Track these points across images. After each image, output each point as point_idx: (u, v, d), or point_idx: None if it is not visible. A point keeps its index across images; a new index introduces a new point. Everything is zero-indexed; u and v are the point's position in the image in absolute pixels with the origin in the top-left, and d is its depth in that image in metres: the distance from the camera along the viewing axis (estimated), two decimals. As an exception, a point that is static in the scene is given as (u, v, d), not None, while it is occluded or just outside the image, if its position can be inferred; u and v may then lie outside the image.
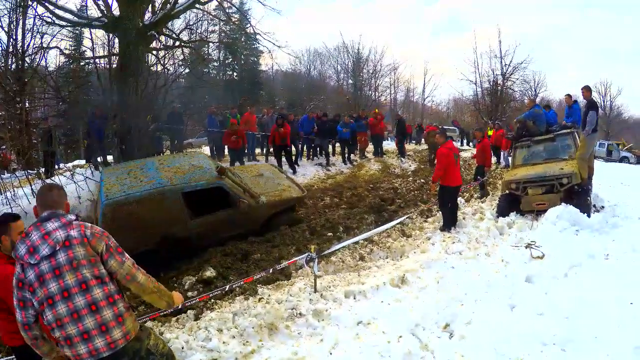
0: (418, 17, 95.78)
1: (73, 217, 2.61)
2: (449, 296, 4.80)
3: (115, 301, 2.56)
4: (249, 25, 17.22)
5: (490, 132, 16.52)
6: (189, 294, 5.54)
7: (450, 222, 7.75)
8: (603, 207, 8.83)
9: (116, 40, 11.82)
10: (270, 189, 8.34)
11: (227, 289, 5.01)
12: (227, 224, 7.30)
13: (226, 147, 13.83)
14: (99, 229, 2.65)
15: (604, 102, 52.58)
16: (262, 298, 4.92)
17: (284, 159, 13.41)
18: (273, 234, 7.55)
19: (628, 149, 33.62)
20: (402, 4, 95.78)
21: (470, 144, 28.86)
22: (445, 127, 29.91)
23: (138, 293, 2.78)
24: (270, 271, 5.13)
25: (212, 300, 5.15)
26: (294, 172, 13.31)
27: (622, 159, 30.75)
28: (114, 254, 2.61)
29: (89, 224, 2.63)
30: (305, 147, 15.80)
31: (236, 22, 18.41)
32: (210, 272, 6.09)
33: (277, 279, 5.69)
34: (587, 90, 8.88)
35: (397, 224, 7.75)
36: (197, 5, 13.45)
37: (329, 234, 7.59)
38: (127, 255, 2.70)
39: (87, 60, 18.89)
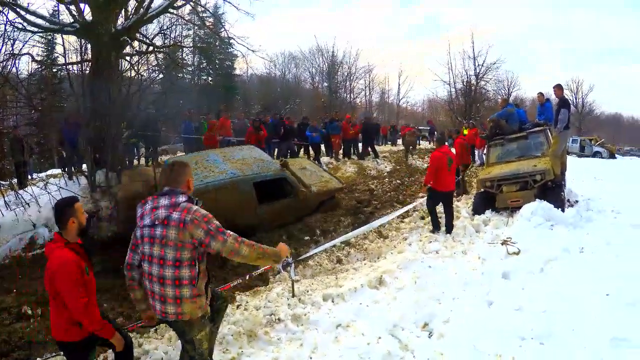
0: (394, 19, 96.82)
1: (183, 198, 2.89)
2: (426, 295, 4.80)
3: (180, 285, 2.83)
4: (222, 29, 17.18)
5: (465, 132, 16.70)
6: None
7: (435, 224, 7.64)
8: (577, 201, 8.98)
9: (89, 46, 11.58)
10: (316, 180, 9.22)
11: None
12: (287, 210, 7.96)
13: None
14: (200, 213, 2.84)
15: (576, 99, 53.99)
16: (240, 305, 4.88)
17: None
18: (251, 239, 7.43)
19: (600, 144, 34.36)
20: (377, 7, 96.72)
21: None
22: (420, 127, 30.29)
23: (245, 262, 3.09)
24: (247, 278, 5.08)
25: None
26: None
27: (595, 154, 31.45)
28: (215, 236, 2.81)
29: (195, 208, 2.86)
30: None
31: (210, 27, 18.27)
32: (187, 281, 6.00)
33: (255, 285, 5.63)
34: (558, 88, 9.05)
35: (377, 226, 7.74)
36: (170, 10, 13.32)
37: (306, 237, 7.58)
38: (228, 232, 2.88)
39: (59, 67, 18.53)
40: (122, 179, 9.55)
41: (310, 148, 16.21)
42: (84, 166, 12.03)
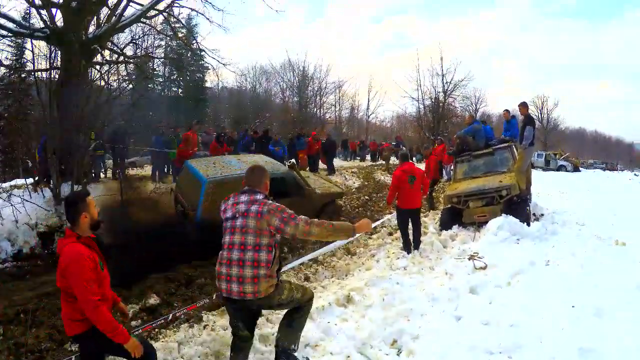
0: (364, 35, 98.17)
1: (261, 196, 3.44)
2: (395, 312, 4.78)
3: (258, 267, 3.22)
4: (194, 42, 17.07)
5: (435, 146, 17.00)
6: (133, 323, 5.27)
7: (406, 244, 7.52)
8: (542, 215, 9.20)
9: (58, 53, 11.30)
10: (319, 185, 9.92)
11: (170, 318, 4.81)
12: (294, 207, 7.66)
13: (170, 166, 13.56)
14: (275, 205, 3.36)
15: (541, 114, 55.61)
16: (207, 325, 4.76)
17: None
18: (217, 257, 7.31)
19: (565, 158, 35.35)
20: (348, 23, 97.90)
21: (414, 158, 29.74)
22: (386, 142, 30.81)
23: (320, 240, 3.69)
24: (214, 297, 4.96)
25: (156, 329, 4.93)
26: None
27: (560, 168, 32.30)
28: (288, 222, 3.28)
29: (270, 202, 3.40)
30: None
31: (182, 38, 18.12)
32: (153, 300, 5.80)
33: (222, 303, 5.51)
34: (523, 106, 9.29)
35: (344, 243, 7.74)
36: (143, 20, 13.17)
37: (274, 254, 7.46)
38: (300, 217, 3.34)
39: (27, 73, 17.95)
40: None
41: None
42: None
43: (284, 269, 6.12)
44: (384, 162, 23.59)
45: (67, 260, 2.77)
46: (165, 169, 14.56)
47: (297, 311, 3.63)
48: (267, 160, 9.42)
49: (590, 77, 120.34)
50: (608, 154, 77.32)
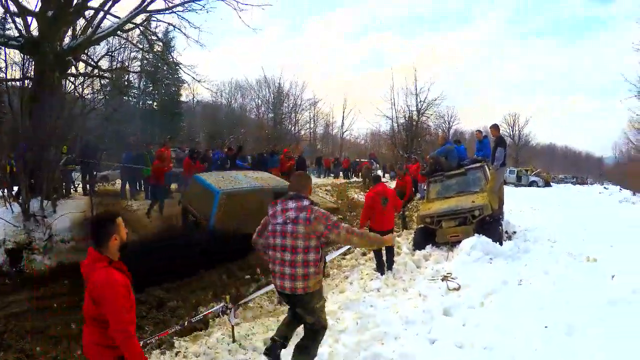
0: (341, 52, 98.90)
1: (307, 202, 3.73)
2: (369, 336, 4.75)
3: (308, 266, 3.64)
4: (170, 58, 16.95)
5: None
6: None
7: (380, 265, 7.46)
8: (515, 232, 9.33)
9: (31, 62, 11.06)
10: (317, 199, 9.90)
11: (141, 344, 4.68)
12: None
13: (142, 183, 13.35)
14: (321, 212, 3.72)
15: (512, 131, 56.82)
16: (179, 352, 4.69)
17: None
18: (188, 279, 7.29)
19: (536, 174, 36.15)
20: (325, 41, 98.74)
21: (387, 175, 30.06)
22: (363, 159, 31.07)
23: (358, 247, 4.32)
24: (186, 323, 4.85)
25: (127, 355, 4.80)
26: None
27: (531, 184, 32.99)
28: (332, 229, 3.65)
29: (316, 209, 3.74)
30: None
31: (158, 53, 17.94)
32: (124, 324, 5.68)
33: (195, 328, 5.41)
34: (494, 129, 9.50)
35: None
36: (119, 33, 13.02)
37: (247, 276, 7.41)
38: (342, 226, 3.73)
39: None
40: None
41: None
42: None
43: (257, 293, 6.04)
44: (360, 180, 24.19)
45: (101, 288, 2.61)
46: (138, 186, 14.30)
47: (311, 338, 4.01)
48: (269, 177, 10.29)
49: (560, 93, 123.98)
50: (578, 168, 79.10)
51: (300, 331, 4.20)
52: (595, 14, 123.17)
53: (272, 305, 6.27)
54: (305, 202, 3.71)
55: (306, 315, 3.90)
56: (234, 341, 4.80)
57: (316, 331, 4.01)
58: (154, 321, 5.84)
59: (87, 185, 12.91)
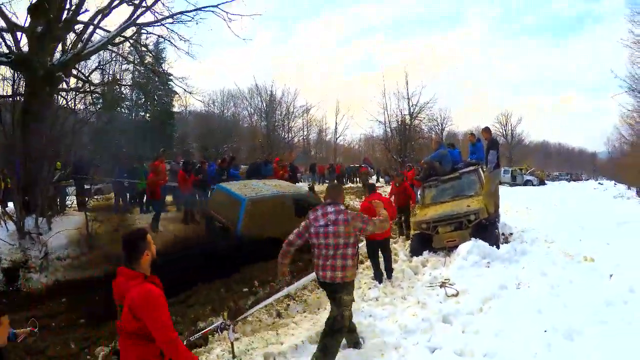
0: (332, 58, 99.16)
1: (342, 207, 4.54)
2: (369, 347, 4.75)
3: (346, 259, 4.36)
4: (162, 70, 16.92)
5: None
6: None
7: (377, 274, 7.44)
8: (511, 234, 9.32)
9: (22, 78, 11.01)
10: None
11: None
12: None
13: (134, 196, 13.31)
14: (354, 213, 4.64)
15: (505, 130, 57.09)
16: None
17: None
18: (188, 292, 7.25)
19: (531, 173, 36.33)
20: (316, 46, 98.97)
21: (382, 179, 30.14)
22: (357, 164, 31.08)
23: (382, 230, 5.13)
24: (185, 341, 4.79)
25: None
26: None
27: (526, 183, 33.11)
28: (368, 223, 4.48)
29: (350, 211, 4.59)
30: None
31: (149, 65, 17.89)
32: (120, 339, 5.63)
33: (195, 345, 5.36)
34: (486, 132, 9.54)
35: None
36: (109, 47, 12.99)
37: (245, 289, 7.31)
38: (371, 219, 4.58)
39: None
40: None
41: None
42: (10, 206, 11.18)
43: (256, 308, 6.00)
44: (354, 186, 24.67)
45: (141, 301, 2.67)
46: (134, 200, 14.21)
47: (331, 336, 4.45)
48: (287, 185, 11.44)
49: (552, 91, 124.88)
50: (572, 164, 79.71)
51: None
52: (585, 10, 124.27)
53: (271, 319, 6.21)
54: (342, 207, 4.52)
55: (335, 306, 4.52)
56: (234, 357, 4.78)
57: (337, 330, 4.46)
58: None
59: (81, 200, 12.84)
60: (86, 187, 13.05)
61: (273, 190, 9.76)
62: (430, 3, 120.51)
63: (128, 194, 14.14)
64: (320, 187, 22.87)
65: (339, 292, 4.44)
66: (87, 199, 11.49)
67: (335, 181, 29.70)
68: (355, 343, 4.86)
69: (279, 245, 7.33)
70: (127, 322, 2.73)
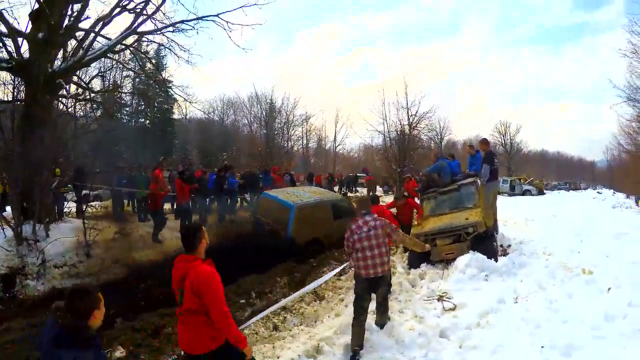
0: (332, 67, 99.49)
1: (375, 215, 5.53)
2: (364, 362, 4.71)
3: (385, 254, 5.36)
4: (161, 77, 16.95)
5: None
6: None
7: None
8: (510, 245, 9.25)
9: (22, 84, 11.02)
10: None
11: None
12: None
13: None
14: (386, 222, 5.51)
15: (504, 140, 57.18)
16: (173, 381, 4.59)
17: None
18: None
19: (529, 183, 36.34)
20: (316, 55, 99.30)
21: (381, 189, 30.11)
22: (357, 174, 31.03)
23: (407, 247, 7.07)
24: (182, 352, 4.73)
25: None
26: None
27: (525, 192, 33.11)
28: (394, 230, 5.52)
29: (382, 219, 5.55)
30: None
31: (150, 72, 17.91)
32: (120, 352, 5.56)
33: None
34: (483, 143, 9.52)
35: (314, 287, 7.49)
36: (109, 55, 13.02)
37: (242, 300, 7.28)
38: (399, 230, 5.83)
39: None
40: None
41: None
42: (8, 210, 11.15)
43: (253, 320, 5.94)
44: (352, 195, 25.09)
45: (202, 280, 3.16)
46: (133, 208, 14.17)
47: (384, 300, 5.66)
48: (323, 191, 12.94)
49: (551, 100, 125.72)
50: (571, 173, 79.82)
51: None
52: (584, 20, 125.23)
53: (268, 332, 6.16)
54: (375, 216, 5.52)
55: (385, 287, 5.63)
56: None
57: (387, 295, 5.82)
58: (150, 349, 5.73)
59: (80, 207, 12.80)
60: (84, 192, 13.02)
61: (314, 197, 11.19)
62: (429, 13, 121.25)
63: (128, 201, 14.10)
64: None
65: (383, 281, 5.47)
66: (84, 206, 11.39)
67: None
68: (382, 325, 5.64)
69: (320, 245, 10.17)
70: (190, 301, 3.20)
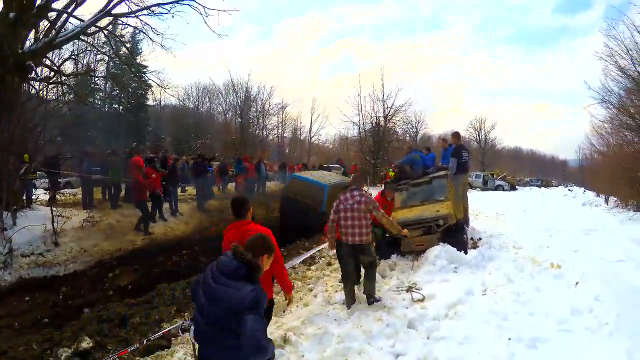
0: (312, 58, 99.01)
1: (362, 191, 6.15)
2: (332, 352, 4.69)
3: (365, 226, 5.98)
4: (134, 63, 16.57)
5: (392, 174, 17.17)
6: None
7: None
8: (480, 239, 9.34)
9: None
10: None
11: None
12: None
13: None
14: (370, 198, 6.17)
15: (479, 135, 58.04)
16: (140, 372, 4.53)
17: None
18: (151, 293, 7.16)
19: (502, 178, 36.96)
20: (297, 46, 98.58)
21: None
22: (331, 165, 30.97)
23: (384, 226, 7.01)
24: (145, 342, 4.66)
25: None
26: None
27: (497, 187, 33.63)
28: (375, 209, 6.07)
29: (368, 196, 6.24)
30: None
31: (124, 57, 17.44)
32: (86, 343, 5.44)
33: (158, 346, 5.26)
34: (454, 137, 9.61)
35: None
36: (82, 37, 12.65)
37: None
38: (380, 210, 6.27)
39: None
40: None
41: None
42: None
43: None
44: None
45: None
46: (106, 196, 13.83)
47: (371, 267, 6.12)
48: (336, 174, 16.48)
49: (527, 99, 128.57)
50: (544, 171, 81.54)
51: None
52: (563, 23, 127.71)
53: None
54: (362, 191, 6.17)
55: (366, 257, 6.08)
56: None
57: (373, 263, 6.20)
58: (117, 339, 5.65)
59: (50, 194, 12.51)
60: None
61: (335, 178, 14.35)
62: (412, 9, 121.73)
63: (105, 189, 13.80)
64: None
65: (366, 249, 6.04)
66: (54, 193, 11.14)
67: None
68: (368, 293, 6.09)
69: None
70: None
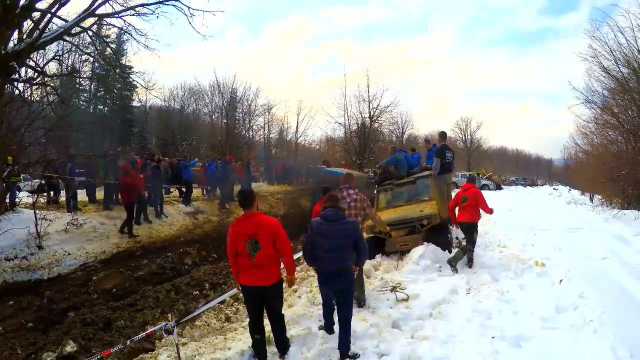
0: (298, 59, 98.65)
1: (356, 190, 6.47)
2: (316, 353, 4.69)
3: (360, 222, 6.25)
4: (119, 64, 16.44)
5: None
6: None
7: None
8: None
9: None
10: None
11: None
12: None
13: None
14: (364, 197, 6.44)
15: (465, 135, 58.43)
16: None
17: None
18: (136, 296, 7.10)
19: (487, 177, 37.20)
20: (283, 47, 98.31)
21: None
22: (318, 165, 30.90)
23: (375, 225, 7.51)
24: (128, 342, 4.61)
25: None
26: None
27: (483, 187, 33.72)
28: (366, 208, 6.40)
29: (362, 194, 6.47)
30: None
31: (109, 57, 17.26)
32: (71, 347, 5.41)
33: (142, 349, 5.23)
34: (438, 136, 9.64)
35: None
36: (66, 38, 12.49)
37: (195, 292, 7.26)
38: (372, 209, 6.95)
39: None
40: None
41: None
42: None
43: (203, 308, 5.87)
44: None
45: (274, 225, 4.36)
46: (93, 198, 13.71)
47: (360, 273, 6.01)
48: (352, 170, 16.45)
49: (512, 99, 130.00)
50: (529, 170, 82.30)
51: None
52: (547, 25, 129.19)
53: (220, 323, 6.10)
54: (356, 190, 6.44)
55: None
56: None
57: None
58: (102, 342, 5.61)
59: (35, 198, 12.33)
60: (37, 182, 12.56)
61: (358, 173, 16.90)
62: (397, 10, 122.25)
63: (91, 192, 13.70)
64: (278, 188, 22.79)
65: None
66: (36, 197, 10.99)
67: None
68: (359, 300, 6.04)
69: None
70: (268, 244, 4.28)
